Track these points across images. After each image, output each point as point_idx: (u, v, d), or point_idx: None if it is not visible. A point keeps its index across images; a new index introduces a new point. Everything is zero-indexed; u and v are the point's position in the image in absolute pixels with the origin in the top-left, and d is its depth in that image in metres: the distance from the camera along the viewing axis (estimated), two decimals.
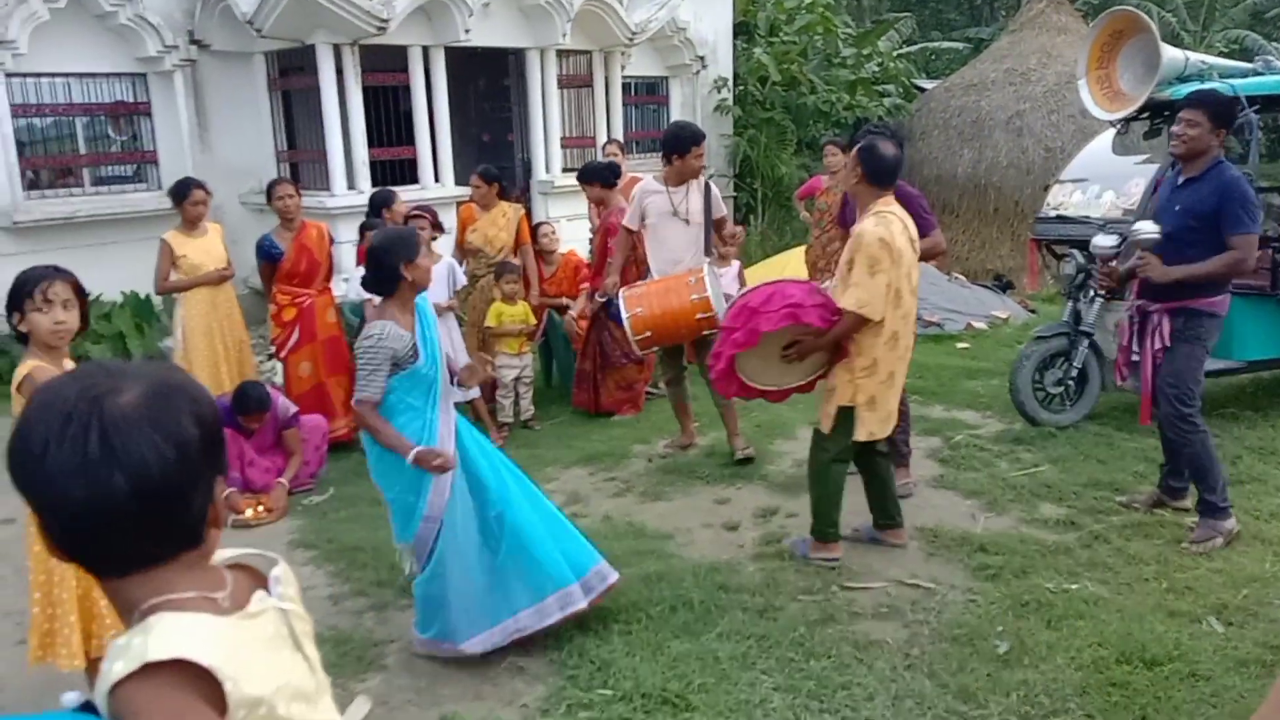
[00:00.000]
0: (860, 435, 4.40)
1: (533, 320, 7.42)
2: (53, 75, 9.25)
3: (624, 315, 5.73)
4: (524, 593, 3.77)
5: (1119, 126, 7.09)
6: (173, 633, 0.94)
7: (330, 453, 6.35)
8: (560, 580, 3.80)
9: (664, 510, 5.40)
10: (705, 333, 5.72)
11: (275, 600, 1.06)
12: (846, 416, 4.41)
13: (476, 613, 3.71)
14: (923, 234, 4.99)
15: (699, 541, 4.94)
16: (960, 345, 8.96)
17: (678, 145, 5.91)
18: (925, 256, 4.99)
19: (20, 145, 9.09)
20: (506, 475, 3.91)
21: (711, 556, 4.70)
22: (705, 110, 13.94)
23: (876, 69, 16.23)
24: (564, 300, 7.65)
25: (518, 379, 7.29)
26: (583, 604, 3.85)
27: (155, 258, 6.26)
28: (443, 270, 6.44)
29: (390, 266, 3.60)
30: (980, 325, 9.59)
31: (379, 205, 6.99)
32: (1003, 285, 11.56)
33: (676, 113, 13.89)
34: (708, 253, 6.01)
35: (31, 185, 9.26)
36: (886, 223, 4.23)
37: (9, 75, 8.77)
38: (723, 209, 6.19)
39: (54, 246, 9.01)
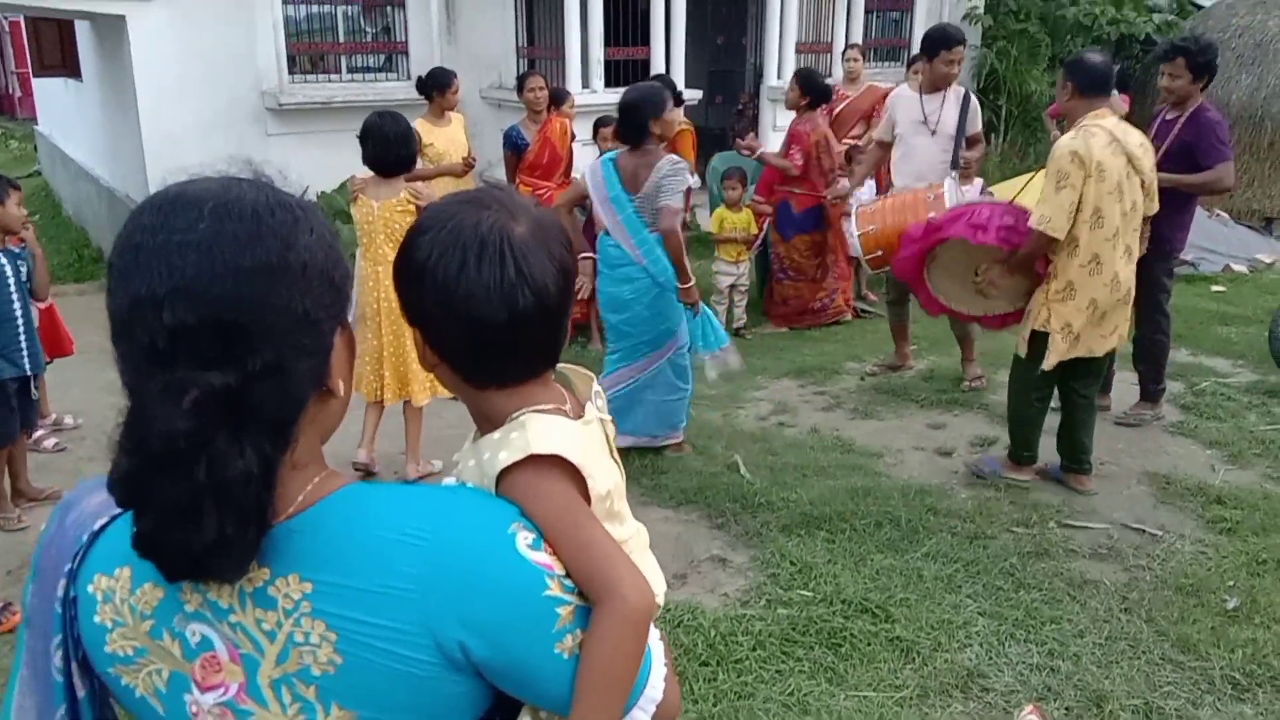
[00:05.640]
0: (1047, 363, 4.17)
1: (754, 229, 7.37)
2: None
3: (855, 233, 5.60)
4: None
5: None
6: (548, 431, 1.03)
7: None
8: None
9: (874, 429, 5.32)
10: None
11: (598, 411, 1.15)
12: (1041, 342, 4.22)
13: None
14: (1205, 165, 4.66)
15: (909, 463, 4.85)
16: (1215, 288, 8.24)
17: (929, 47, 5.68)
18: (1204, 191, 4.81)
19: (287, 33, 9.70)
20: None
21: (921, 478, 4.61)
22: (952, 19, 13.10)
23: None
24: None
25: (733, 286, 7.31)
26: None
27: None
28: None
29: (640, 120, 4.30)
30: (1239, 268, 8.78)
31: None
32: (1270, 227, 10.49)
33: (921, 20, 13.18)
34: (954, 166, 5.69)
35: (295, 70, 9.89)
36: (1086, 136, 3.97)
37: None
38: (978, 125, 5.85)
39: (311, 129, 9.67)
